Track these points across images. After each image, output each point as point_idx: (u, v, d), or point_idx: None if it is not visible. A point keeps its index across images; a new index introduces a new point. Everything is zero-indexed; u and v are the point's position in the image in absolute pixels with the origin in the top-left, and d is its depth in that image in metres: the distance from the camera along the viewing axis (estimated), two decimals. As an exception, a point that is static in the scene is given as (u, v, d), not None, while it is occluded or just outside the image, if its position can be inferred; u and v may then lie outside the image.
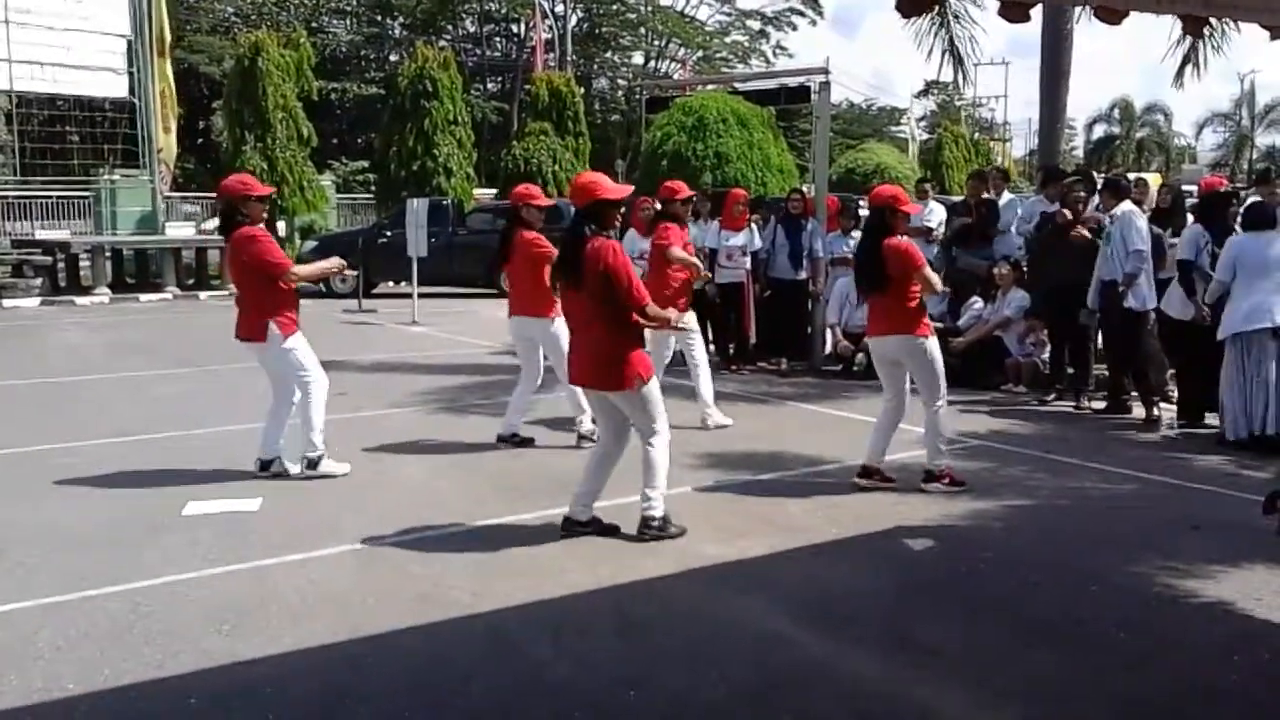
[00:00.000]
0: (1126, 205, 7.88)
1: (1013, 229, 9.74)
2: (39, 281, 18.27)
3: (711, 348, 10.71)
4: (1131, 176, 12.41)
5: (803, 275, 10.22)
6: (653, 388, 5.01)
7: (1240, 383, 6.92)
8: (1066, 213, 8.44)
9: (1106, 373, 8.51)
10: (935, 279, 5.94)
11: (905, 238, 5.95)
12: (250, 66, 21.12)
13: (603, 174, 5.28)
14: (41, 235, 20.25)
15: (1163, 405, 7.97)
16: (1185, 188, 11.95)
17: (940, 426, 5.93)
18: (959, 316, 9.57)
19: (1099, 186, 8.55)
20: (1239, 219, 7.70)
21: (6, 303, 17.21)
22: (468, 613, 4.18)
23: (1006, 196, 10.66)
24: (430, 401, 8.71)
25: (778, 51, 48.53)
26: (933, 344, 5.90)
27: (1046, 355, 9.05)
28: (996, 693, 3.56)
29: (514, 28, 44.37)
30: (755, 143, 20.26)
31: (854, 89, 58.86)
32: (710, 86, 21.87)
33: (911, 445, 7.06)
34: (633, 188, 5.87)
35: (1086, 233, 8.25)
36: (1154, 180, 13.41)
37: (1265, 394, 6.84)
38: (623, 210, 5.06)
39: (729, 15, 48.49)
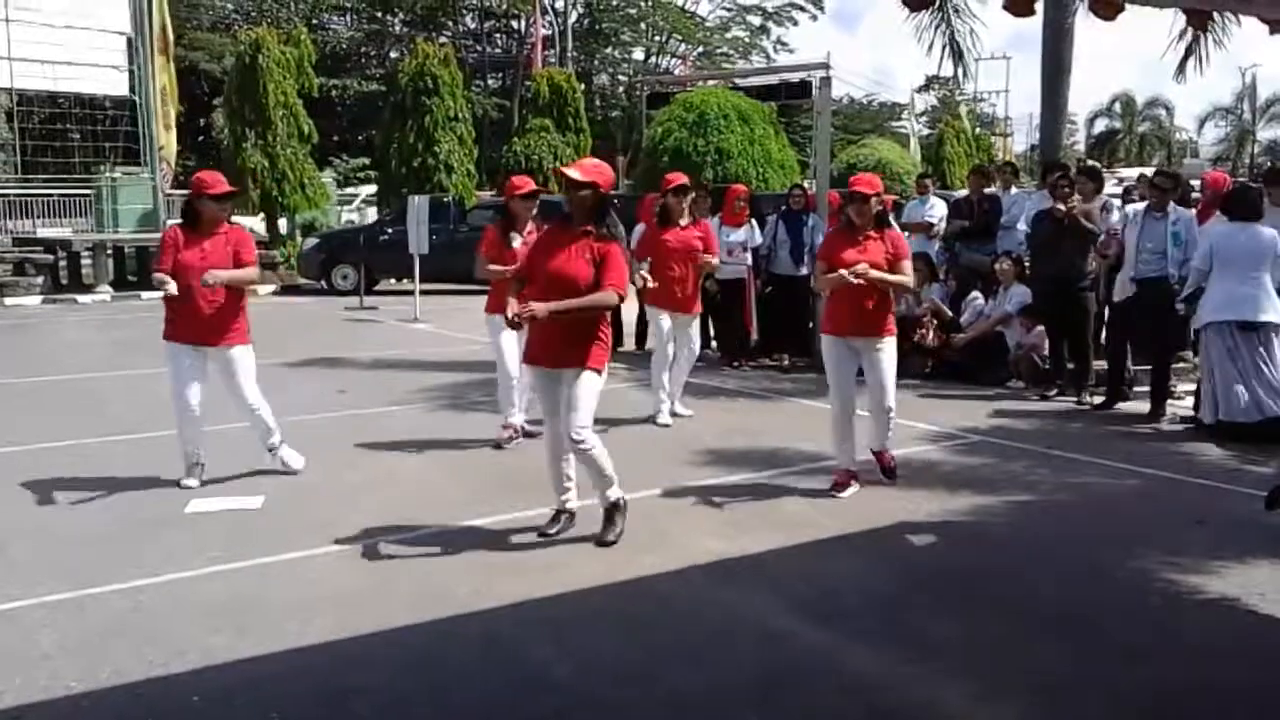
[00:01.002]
0: (1182, 208, 7.90)
1: (1020, 223, 9.73)
2: (40, 280, 18.28)
3: (713, 344, 10.74)
4: (1135, 172, 12.38)
5: (804, 271, 10.21)
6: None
7: (1208, 370, 7.13)
8: (1061, 207, 8.39)
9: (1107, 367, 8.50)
10: (827, 279, 5.70)
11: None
12: (251, 63, 21.10)
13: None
14: (43, 233, 20.26)
15: (1168, 401, 7.96)
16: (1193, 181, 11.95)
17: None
18: (961, 312, 9.57)
19: (1151, 182, 8.37)
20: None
21: (8, 301, 17.22)
22: (468, 610, 4.18)
23: (1015, 191, 10.66)
24: (431, 398, 8.71)
25: (778, 47, 48.56)
26: (823, 342, 5.94)
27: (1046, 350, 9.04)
28: (998, 687, 3.56)
29: (514, 24, 44.32)
30: (756, 138, 20.24)
31: (855, 84, 59.08)
32: (711, 82, 21.86)
33: (914, 440, 7.07)
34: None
35: (1077, 202, 8.24)
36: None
37: (1226, 383, 7.02)
38: (604, 199, 4.93)
39: (730, 10, 48.49)
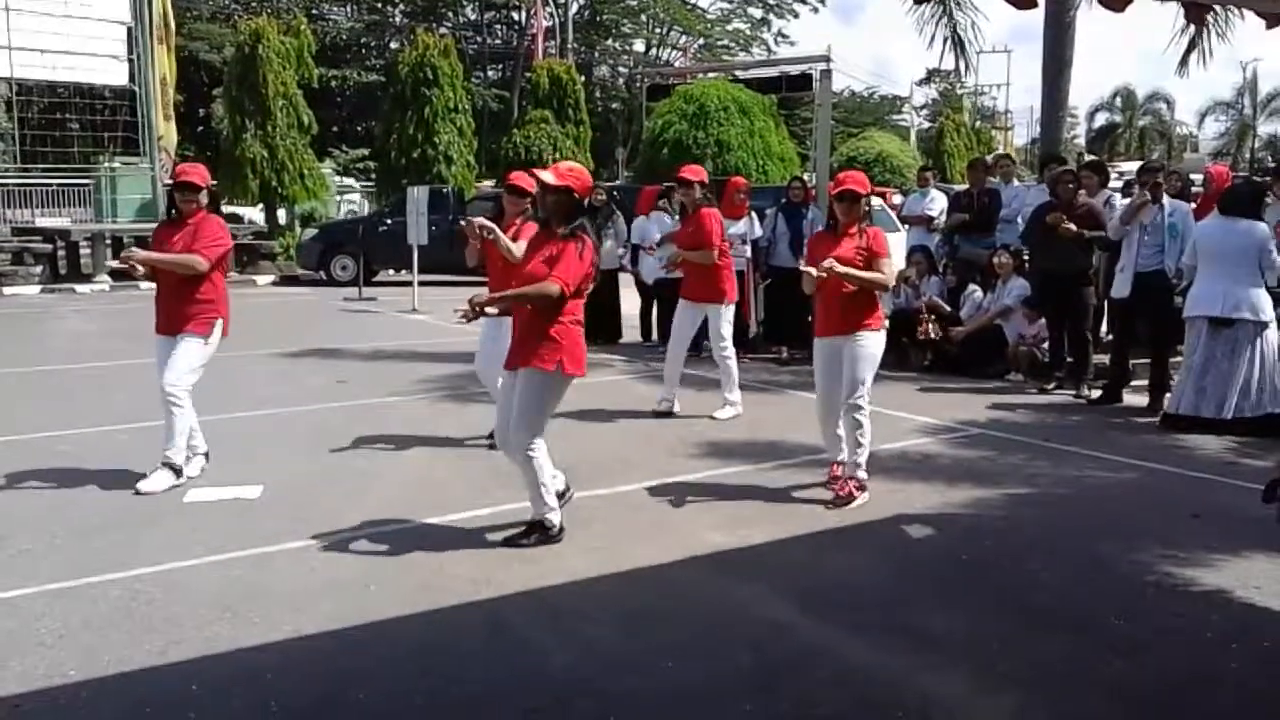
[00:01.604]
0: (1176, 200, 7.93)
1: (1019, 219, 9.72)
2: (39, 269, 18.27)
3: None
4: (1135, 165, 12.36)
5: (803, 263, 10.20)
6: None
7: (1186, 363, 7.29)
8: (1067, 223, 8.30)
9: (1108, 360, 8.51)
10: (804, 278, 5.56)
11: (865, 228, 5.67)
12: (251, 54, 21.06)
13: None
14: (42, 223, 20.22)
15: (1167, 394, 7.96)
16: (1194, 175, 11.98)
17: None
18: (960, 306, 9.57)
19: (1139, 180, 8.38)
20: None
21: (7, 290, 17.20)
22: (469, 600, 4.19)
23: (1015, 185, 10.64)
24: (431, 390, 8.71)
25: (779, 39, 48.46)
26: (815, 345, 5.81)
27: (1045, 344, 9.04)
28: (996, 679, 3.57)
29: (515, 15, 44.26)
30: (756, 131, 20.25)
31: (855, 77, 58.86)
32: (711, 74, 21.84)
33: (912, 434, 7.08)
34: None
35: (1072, 226, 8.19)
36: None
37: (1196, 378, 7.15)
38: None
39: (730, 3, 48.37)
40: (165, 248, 5.70)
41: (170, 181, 5.84)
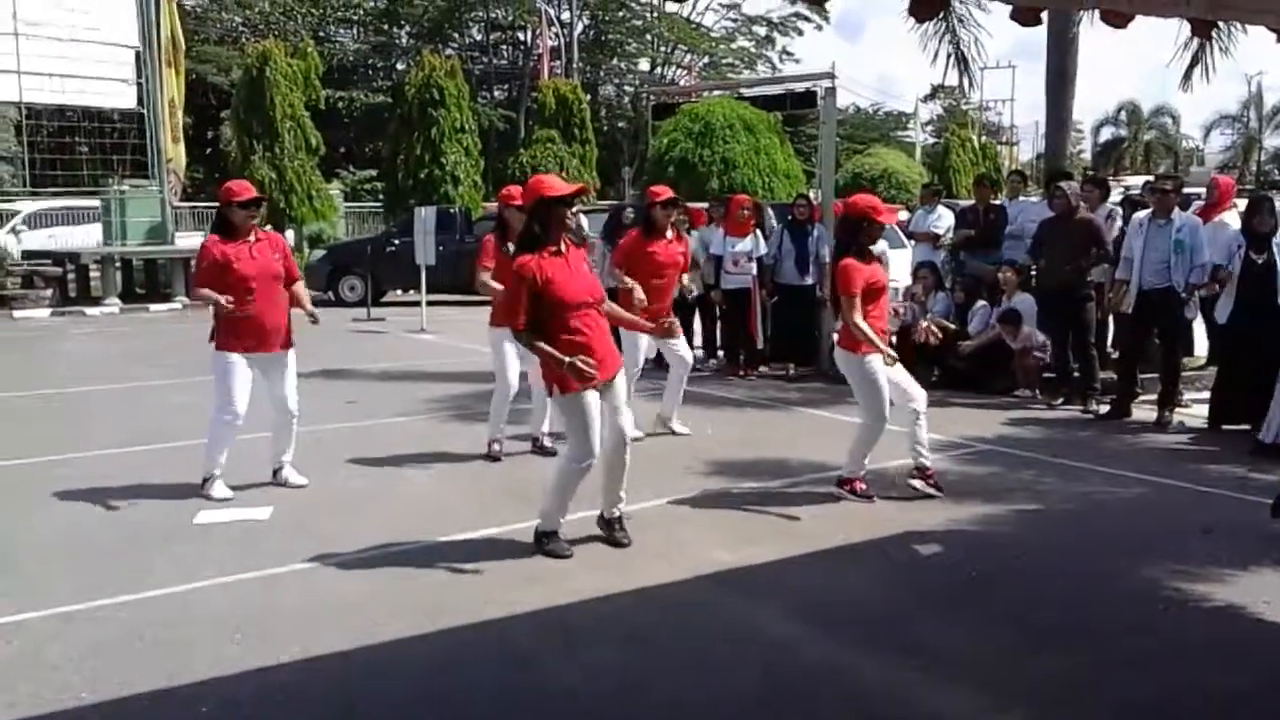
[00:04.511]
0: (1187, 213, 7.91)
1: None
2: (49, 292, 18.32)
3: (720, 353, 10.76)
4: (1140, 179, 12.35)
5: (809, 281, 10.22)
6: (568, 402, 4.78)
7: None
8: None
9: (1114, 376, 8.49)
10: (855, 319, 5.61)
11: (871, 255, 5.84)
12: (258, 76, 21.22)
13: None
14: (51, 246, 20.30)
15: (1176, 410, 7.94)
16: (1195, 189, 11.95)
17: (859, 442, 5.86)
18: (968, 321, 9.56)
19: (1152, 189, 8.40)
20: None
21: (17, 314, 17.26)
22: (476, 620, 4.19)
23: (1022, 200, 10.67)
24: (438, 410, 8.73)
25: (784, 57, 48.56)
26: (872, 362, 5.70)
27: (1044, 354, 9.01)
28: (1004, 696, 3.56)
29: (520, 35, 44.49)
30: (762, 148, 20.31)
31: (860, 94, 58.88)
32: (716, 93, 21.88)
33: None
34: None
35: (1081, 264, 8.22)
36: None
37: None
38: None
39: (735, 21, 48.54)
40: (255, 263, 5.90)
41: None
